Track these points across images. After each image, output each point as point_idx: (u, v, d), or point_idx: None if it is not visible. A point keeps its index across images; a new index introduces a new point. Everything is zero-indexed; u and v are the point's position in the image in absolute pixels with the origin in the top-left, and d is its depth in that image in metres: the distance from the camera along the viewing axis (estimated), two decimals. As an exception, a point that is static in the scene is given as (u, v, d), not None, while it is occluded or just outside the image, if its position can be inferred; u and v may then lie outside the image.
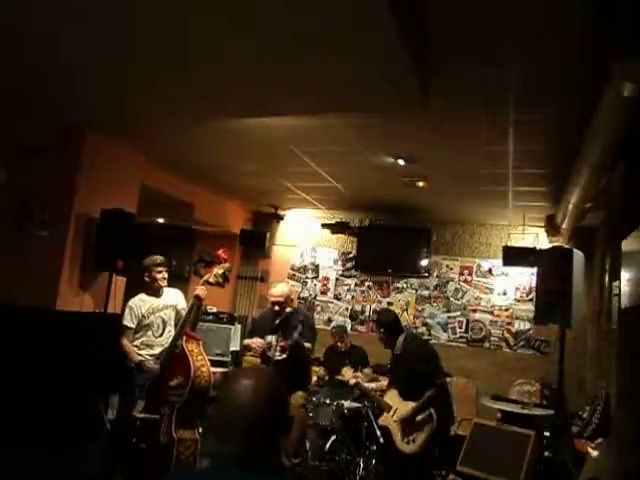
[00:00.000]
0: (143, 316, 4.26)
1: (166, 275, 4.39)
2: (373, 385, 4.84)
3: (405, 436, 4.03)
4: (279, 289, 4.57)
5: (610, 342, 4.52)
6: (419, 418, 3.99)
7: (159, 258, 4.39)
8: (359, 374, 4.99)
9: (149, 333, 4.27)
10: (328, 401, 4.82)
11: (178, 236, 7.80)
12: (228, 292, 7.54)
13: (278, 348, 4.21)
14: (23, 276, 4.56)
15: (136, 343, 4.24)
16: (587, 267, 4.29)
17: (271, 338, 4.33)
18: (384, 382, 4.73)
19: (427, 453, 4.02)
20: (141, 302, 4.30)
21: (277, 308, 4.41)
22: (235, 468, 1.35)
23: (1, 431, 3.90)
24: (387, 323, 4.33)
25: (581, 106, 3.17)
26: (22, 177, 4.87)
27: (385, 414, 4.26)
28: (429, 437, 3.96)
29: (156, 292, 4.36)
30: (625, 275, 3.24)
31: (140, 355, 4.16)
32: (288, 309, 4.47)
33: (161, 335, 4.29)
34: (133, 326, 4.23)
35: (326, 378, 5.62)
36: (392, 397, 4.25)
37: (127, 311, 4.28)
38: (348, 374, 4.81)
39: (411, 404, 4.05)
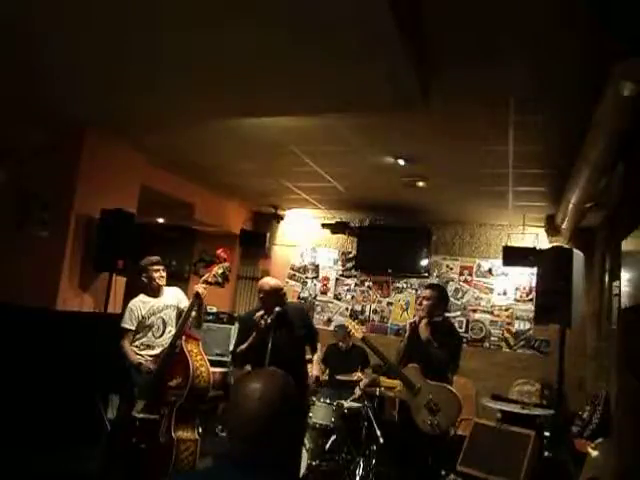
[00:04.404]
0: (143, 317, 4.23)
1: (164, 274, 4.36)
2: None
3: (430, 418, 3.96)
4: (274, 280, 4.23)
5: (610, 342, 4.52)
6: (445, 401, 3.99)
7: (155, 257, 4.36)
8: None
9: (149, 334, 4.25)
10: (328, 401, 4.82)
11: (178, 236, 7.81)
12: (228, 292, 7.54)
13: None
14: (23, 276, 4.57)
15: (136, 344, 4.22)
16: (587, 267, 4.30)
17: (274, 337, 3.95)
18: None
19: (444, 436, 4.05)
20: (141, 303, 4.28)
21: (279, 300, 4.03)
22: (238, 470, 1.36)
23: (1, 431, 3.91)
24: (445, 294, 4.47)
25: (581, 106, 3.17)
26: (22, 177, 4.88)
27: (405, 390, 4.15)
28: (452, 422, 4.04)
29: (156, 292, 4.33)
30: (625, 275, 3.24)
31: (140, 355, 4.16)
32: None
33: (161, 335, 4.28)
34: (133, 328, 4.20)
35: (326, 377, 5.63)
36: (413, 374, 4.15)
37: (127, 313, 4.24)
38: (354, 327, 4.65)
39: (441, 387, 4.03)
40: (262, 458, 1.37)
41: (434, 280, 7.11)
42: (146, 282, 4.33)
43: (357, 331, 4.56)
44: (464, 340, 6.76)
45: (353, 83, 3.23)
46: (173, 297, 4.40)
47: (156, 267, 4.31)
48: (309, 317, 4.51)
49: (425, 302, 4.34)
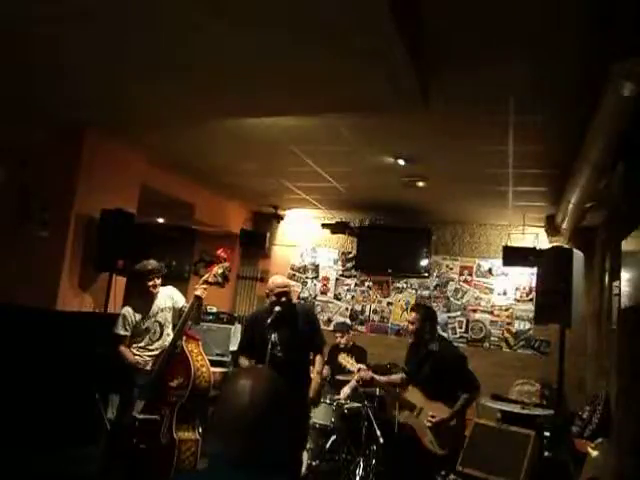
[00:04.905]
0: (138, 322, 4.22)
1: (158, 282, 4.30)
2: (384, 378, 4.58)
3: (437, 438, 3.98)
4: (280, 279, 4.13)
5: (610, 342, 4.52)
6: (453, 422, 4.00)
7: (151, 264, 4.27)
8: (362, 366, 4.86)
9: (147, 338, 4.25)
10: (328, 401, 4.82)
11: (178, 236, 7.81)
12: (228, 292, 7.54)
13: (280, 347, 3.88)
14: (23, 276, 4.57)
15: (135, 347, 4.22)
16: (587, 267, 4.30)
17: (274, 337, 3.88)
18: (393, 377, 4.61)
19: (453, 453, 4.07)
20: (134, 309, 4.26)
21: (284, 299, 3.92)
22: (233, 468, 1.36)
23: (1, 431, 3.90)
24: (431, 313, 4.37)
25: (581, 106, 3.17)
26: (22, 177, 4.88)
27: (407, 412, 4.16)
28: (460, 439, 4.06)
29: (149, 299, 4.29)
30: (625, 275, 3.24)
31: (139, 356, 4.16)
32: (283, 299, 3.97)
33: (159, 338, 4.27)
34: (127, 334, 4.19)
35: (328, 378, 5.63)
36: (414, 396, 4.17)
37: (120, 320, 4.21)
38: (348, 361, 4.59)
39: (443, 407, 4.01)
40: (254, 456, 1.37)
41: (434, 280, 7.12)
42: (140, 287, 4.30)
43: (361, 369, 4.48)
44: (465, 340, 6.81)
45: (353, 83, 3.23)
46: (167, 298, 4.37)
47: (150, 276, 4.25)
48: (315, 320, 4.29)
49: (411, 327, 4.28)
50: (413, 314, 4.31)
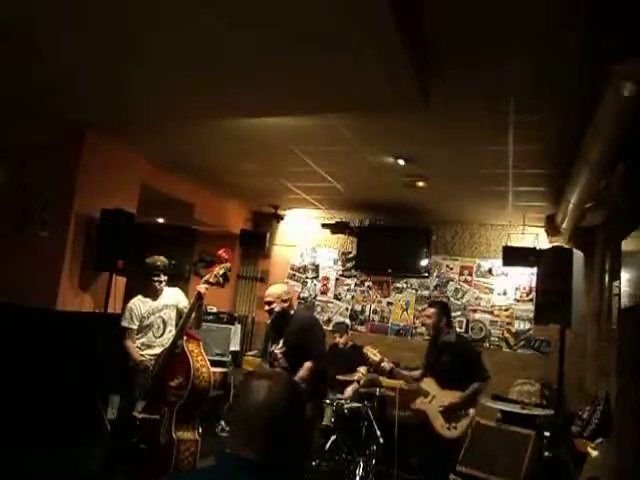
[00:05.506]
0: (143, 317, 4.25)
1: (164, 278, 4.34)
2: (404, 372, 4.85)
3: (447, 422, 4.25)
4: (270, 289, 4.26)
5: (610, 342, 4.52)
6: (463, 407, 4.25)
7: (159, 260, 4.33)
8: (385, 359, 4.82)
9: (149, 334, 4.27)
10: (328, 401, 4.81)
11: (178, 236, 7.81)
12: (228, 292, 7.54)
13: (280, 356, 3.98)
14: (23, 276, 4.57)
15: (137, 344, 4.23)
16: (587, 267, 4.30)
17: (271, 346, 4.05)
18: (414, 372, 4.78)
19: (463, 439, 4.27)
20: (141, 303, 4.30)
21: (266, 308, 4.11)
22: (240, 469, 1.36)
23: (1, 431, 3.91)
24: (446, 308, 4.63)
25: (581, 106, 3.17)
26: (22, 177, 4.88)
27: (421, 399, 4.41)
28: (469, 425, 4.25)
29: (154, 294, 4.34)
30: (625, 275, 3.24)
31: (142, 355, 4.16)
32: (277, 308, 4.08)
33: (162, 335, 4.29)
34: (134, 327, 4.21)
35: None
36: (429, 385, 4.42)
37: (127, 312, 4.26)
38: (373, 352, 4.70)
39: (455, 393, 4.26)
40: (265, 456, 1.37)
41: (434, 280, 7.12)
42: (147, 283, 4.34)
43: (383, 360, 4.64)
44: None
45: (353, 83, 3.23)
46: (172, 297, 4.41)
47: (156, 272, 4.30)
48: (310, 331, 4.14)
49: (428, 321, 4.54)
50: (430, 309, 4.57)
